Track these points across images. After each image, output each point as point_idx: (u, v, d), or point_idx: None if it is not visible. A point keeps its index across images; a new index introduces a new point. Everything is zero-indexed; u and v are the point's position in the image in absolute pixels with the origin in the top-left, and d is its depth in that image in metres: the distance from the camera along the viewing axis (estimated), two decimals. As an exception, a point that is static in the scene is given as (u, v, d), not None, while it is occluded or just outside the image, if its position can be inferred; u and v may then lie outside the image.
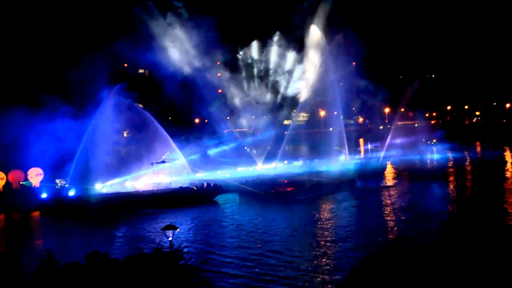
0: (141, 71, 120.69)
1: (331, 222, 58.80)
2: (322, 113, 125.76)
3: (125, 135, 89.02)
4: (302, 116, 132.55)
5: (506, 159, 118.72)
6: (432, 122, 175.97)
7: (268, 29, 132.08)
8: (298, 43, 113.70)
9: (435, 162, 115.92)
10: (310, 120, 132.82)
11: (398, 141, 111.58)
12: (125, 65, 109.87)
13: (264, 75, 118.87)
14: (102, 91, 79.35)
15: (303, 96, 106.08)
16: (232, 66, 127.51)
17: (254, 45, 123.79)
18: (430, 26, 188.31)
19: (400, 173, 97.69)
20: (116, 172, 79.03)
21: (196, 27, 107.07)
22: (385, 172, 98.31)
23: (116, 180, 78.56)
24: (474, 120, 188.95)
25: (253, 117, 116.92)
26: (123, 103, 79.81)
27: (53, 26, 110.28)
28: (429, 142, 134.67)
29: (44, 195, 73.80)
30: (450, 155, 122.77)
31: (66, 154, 77.73)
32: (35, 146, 77.23)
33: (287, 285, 36.76)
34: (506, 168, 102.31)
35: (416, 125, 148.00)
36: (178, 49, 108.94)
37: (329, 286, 36.10)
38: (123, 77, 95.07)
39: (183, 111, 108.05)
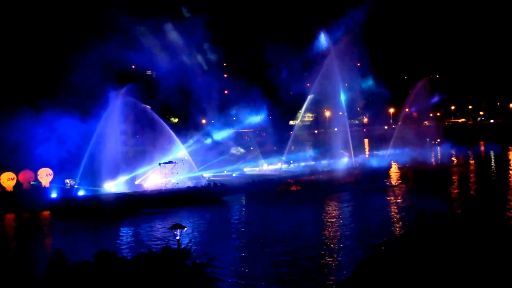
0: (148, 72, 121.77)
1: (335, 221, 59.40)
2: (327, 113, 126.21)
3: (135, 136, 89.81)
4: (308, 117, 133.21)
5: (510, 158, 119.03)
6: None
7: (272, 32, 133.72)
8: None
9: (439, 162, 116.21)
10: (315, 121, 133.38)
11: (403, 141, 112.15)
12: (133, 66, 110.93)
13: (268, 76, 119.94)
14: (110, 92, 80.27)
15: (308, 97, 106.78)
16: (237, 67, 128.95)
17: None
18: (433, 26, 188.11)
19: (404, 173, 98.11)
20: (124, 172, 79.97)
21: (200, 29, 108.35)
22: (390, 171, 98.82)
23: (123, 179, 79.49)
24: (480, 120, 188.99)
25: (259, 117, 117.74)
26: (131, 104, 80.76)
27: (59, 27, 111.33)
28: (433, 142, 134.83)
29: (53, 195, 75.00)
30: (454, 154, 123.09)
31: (75, 154, 78.94)
32: (45, 147, 78.43)
33: (293, 283, 37.40)
34: (510, 167, 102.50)
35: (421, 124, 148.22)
36: (183, 50, 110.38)
37: (333, 284, 36.74)
38: (130, 78, 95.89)
39: (189, 112, 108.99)
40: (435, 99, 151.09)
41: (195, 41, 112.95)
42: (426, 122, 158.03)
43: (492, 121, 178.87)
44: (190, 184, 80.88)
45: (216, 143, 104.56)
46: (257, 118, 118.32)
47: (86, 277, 23.50)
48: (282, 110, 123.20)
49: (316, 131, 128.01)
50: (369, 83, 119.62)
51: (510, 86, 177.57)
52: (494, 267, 29.86)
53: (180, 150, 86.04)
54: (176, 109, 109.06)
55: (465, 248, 34.98)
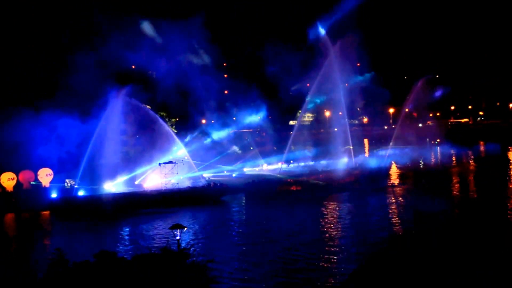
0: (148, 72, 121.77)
1: (335, 221, 59.46)
2: (327, 113, 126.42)
3: (135, 136, 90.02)
4: (308, 117, 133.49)
5: (510, 158, 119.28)
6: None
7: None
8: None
9: (439, 162, 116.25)
10: (315, 121, 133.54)
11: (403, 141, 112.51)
12: (133, 66, 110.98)
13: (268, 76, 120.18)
14: (110, 92, 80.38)
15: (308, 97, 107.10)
16: (237, 67, 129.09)
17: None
18: (433, 26, 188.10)
19: (404, 173, 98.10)
20: (124, 172, 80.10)
21: (200, 29, 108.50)
22: (390, 172, 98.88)
23: (123, 179, 79.58)
24: (480, 120, 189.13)
25: (259, 117, 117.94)
26: (131, 104, 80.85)
27: (58, 27, 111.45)
28: (433, 142, 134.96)
29: (53, 195, 75.08)
30: (454, 154, 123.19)
31: (75, 154, 79.08)
32: (45, 147, 78.56)
33: (292, 284, 37.48)
34: (510, 167, 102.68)
35: (420, 125, 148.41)
36: (183, 51, 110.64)
37: (333, 285, 36.79)
38: (130, 78, 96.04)
39: (189, 112, 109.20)
40: (438, 93, 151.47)
41: (194, 41, 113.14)
42: (430, 122, 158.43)
43: (489, 121, 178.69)
44: (188, 184, 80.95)
45: (215, 143, 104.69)
46: (256, 118, 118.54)
47: (86, 277, 23.55)
48: (281, 110, 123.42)
49: (315, 131, 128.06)
50: (367, 76, 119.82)
51: (510, 86, 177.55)
52: (493, 267, 29.95)
53: (180, 150, 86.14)
54: (175, 109, 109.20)
55: (464, 248, 35.04)
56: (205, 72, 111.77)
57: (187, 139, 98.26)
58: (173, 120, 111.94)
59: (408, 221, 57.08)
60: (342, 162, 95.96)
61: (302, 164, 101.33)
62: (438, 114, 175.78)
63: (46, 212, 71.96)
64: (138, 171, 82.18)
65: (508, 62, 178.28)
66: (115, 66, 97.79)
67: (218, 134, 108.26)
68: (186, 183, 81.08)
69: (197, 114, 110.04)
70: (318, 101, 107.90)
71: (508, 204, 64.90)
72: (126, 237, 56.33)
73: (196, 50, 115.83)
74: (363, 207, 67.21)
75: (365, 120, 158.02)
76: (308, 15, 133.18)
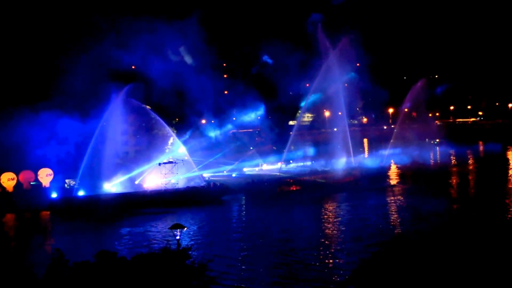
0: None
1: (335, 221, 59.56)
2: (327, 113, 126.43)
3: (135, 136, 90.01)
4: (307, 117, 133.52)
5: (509, 157, 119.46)
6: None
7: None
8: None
9: (438, 162, 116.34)
10: (314, 121, 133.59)
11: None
12: (133, 67, 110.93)
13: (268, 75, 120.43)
14: (110, 93, 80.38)
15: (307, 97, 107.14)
16: (237, 68, 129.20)
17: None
18: (433, 26, 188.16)
19: (403, 173, 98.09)
20: (124, 172, 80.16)
21: (199, 30, 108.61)
22: (389, 171, 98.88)
23: (123, 178, 79.61)
24: (479, 120, 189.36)
25: (258, 117, 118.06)
26: (131, 104, 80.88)
27: (58, 28, 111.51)
28: (432, 142, 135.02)
29: (54, 195, 75.15)
30: (453, 154, 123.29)
31: (75, 155, 79.14)
32: (45, 148, 78.63)
33: (292, 284, 37.55)
34: (509, 167, 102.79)
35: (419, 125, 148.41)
36: (182, 51, 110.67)
37: (333, 285, 36.88)
38: (130, 79, 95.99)
39: (189, 113, 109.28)
40: (438, 92, 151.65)
41: (193, 42, 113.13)
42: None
43: (494, 121, 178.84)
44: (184, 184, 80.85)
45: (214, 144, 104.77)
46: (256, 118, 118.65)
47: (86, 277, 23.60)
48: (281, 110, 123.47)
49: (315, 131, 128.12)
50: (368, 83, 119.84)
51: (509, 86, 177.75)
52: (492, 267, 30.03)
53: (180, 150, 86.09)
54: (175, 109, 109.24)
55: (463, 248, 35.15)
56: (204, 73, 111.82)
57: (186, 136, 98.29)
58: (174, 121, 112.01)
59: (407, 221, 57.17)
60: (341, 162, 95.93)
61: (302, 164, 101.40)
62: (437, 114, 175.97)
63: (46, 212, 72.04)
64: (138, 171, 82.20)
65: (508, 62, 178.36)
66: (114, 66, 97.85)
67: (219, 135, 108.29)
68: (185, 183, 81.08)
69: (196, 115, 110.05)
70: (316, 97, 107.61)
71: (508, 204, 64.98)
72: (126, 237, 56.32)
73: (194, 51, 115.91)
74: (362, 207, 67.27)
75: (365, 120, 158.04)
76: (307, 15, 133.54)
